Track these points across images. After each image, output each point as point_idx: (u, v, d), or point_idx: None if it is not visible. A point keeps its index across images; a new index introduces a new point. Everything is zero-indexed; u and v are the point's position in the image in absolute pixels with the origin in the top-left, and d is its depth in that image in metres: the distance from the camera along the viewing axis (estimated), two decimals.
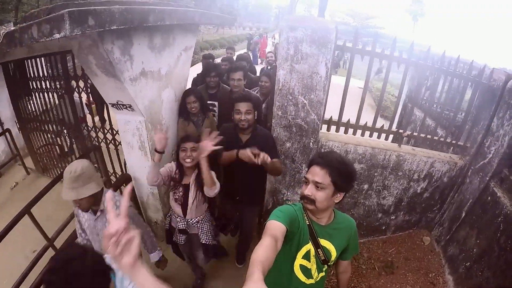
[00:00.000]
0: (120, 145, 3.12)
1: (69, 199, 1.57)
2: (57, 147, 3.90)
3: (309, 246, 1.31)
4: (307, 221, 1.31)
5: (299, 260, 1.33)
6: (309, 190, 1.24)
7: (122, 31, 1.92)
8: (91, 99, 3.59)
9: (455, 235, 2.96)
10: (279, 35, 2.40)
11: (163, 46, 2.47)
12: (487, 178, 2.70)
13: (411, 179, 2.88)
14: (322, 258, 1.32)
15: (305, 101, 2.33)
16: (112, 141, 3.19)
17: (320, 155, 1.28)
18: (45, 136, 3.92)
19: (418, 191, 2.98)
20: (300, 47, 2.17)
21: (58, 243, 2.58)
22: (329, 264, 1.36)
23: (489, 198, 2.66)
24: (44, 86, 3.48)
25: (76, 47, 1.97)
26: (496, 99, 2.70)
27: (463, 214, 2.90)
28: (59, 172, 3.83)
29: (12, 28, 1.84)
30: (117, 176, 3.44)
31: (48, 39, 1.44)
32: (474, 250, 2.63)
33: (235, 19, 3.22)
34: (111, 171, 3.46)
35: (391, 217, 3.13)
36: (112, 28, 1.61)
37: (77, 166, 1.60)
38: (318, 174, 1.21)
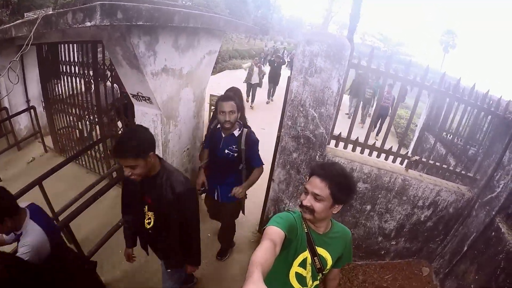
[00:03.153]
0: None
1: None
2: (77, 130, 4.10)
3: (306, 254, 1.33)
4: (305, 229, 1.33)
5: (295, 268, 1.35)
6: (308, 201, 1.26)
7: (150, 28, 2.07)
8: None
9: (455, 268, 2.88)
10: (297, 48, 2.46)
11: (187, 47, 2.60)
12: (493, 213, 2.64)
13: (415, 206, 2.84)
14: (318, 266, 1.34)
15: (315, 114, 2.37)
16: None
17: (321, 166, 1.29)
18: (68, 119, 4.13)
19: (422, 219, 2.93)
20: (315, 60, 2.23)
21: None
22: (323, 272, 1.38)
23: (493, 233, 2.59)
24: (73, 71, 3.69)
25: (106, 37, 2.15)
26: (510, 131, 2.65)
27: (465, 248, 2.82)
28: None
29: (50, 12, 2.07)
30: None
31: (80, 25, 1.62)
32: (472, 286, 2.56)
33: (266, 31, 3.34)
34: None
35: (392, 242, 3.08)
36: (138, 23, 1.75)
37: None
38: (317, 186, 1.24)
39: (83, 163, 4.05)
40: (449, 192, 2.82)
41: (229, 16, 3.23)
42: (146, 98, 2.51)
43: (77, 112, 3.92)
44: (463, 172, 2.91)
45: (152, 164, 1.57)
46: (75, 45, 3.46)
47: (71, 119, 4.08)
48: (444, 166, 2.86)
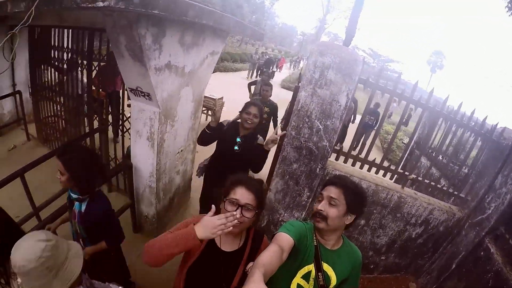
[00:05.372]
0: (127, 131, 3.12)
1: None
2: (62, 120, 3.88)
3: (311, 267, 1.30)
4: (315, 242, 1.32)
5: (297, 279, 1.32)
6: (322, 206, 1.27)
7: (158, 20, 1.95)
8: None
9: (443, 285, 2.94)
10: (305, 59, 2.41)
11: (192, 45, 2.49)
12: (483, 233, 2.71)
13: (408, 223, 2.87)
14: (321, 283, 1.29)
15: (320, 126, 2.33)
16: (121, 127, 3.18)
17: (336, 177, 1.36)
18: (54, 107, 3.91)
19: (413, 236, 2.96)
20: (326, 72, 2.19)
21: (43, 214, 2.52)
22: None
23: (482, 253, 2.67)
24: (64, 58, 3.49)
25: (110, 24, 1.98)
26: (503, 157, 2.73)
27: (454, 266, 2.89)
28: (59, 145, 3.82)
29: None
30: (117, 162, 3.42)
31: (90, 5, 1.43)
32: None
33: (264, 34, 3.27)
34: (112, 156, 3.44)
35: (381, 257, 3.10)
36: (154, 12, 1.61)
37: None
38: (333, 191, 1.26)
39: None
40: (441, 211, 2.86)
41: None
42: (146, 94, 2.38)
43: (64, 101, 3.72)
44: (455, 192, 2.96)
45: None
46: (70, 30, 3.26)
47: (58, 108, 3.86)
48: (438, 186, 2.90)
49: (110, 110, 3.41)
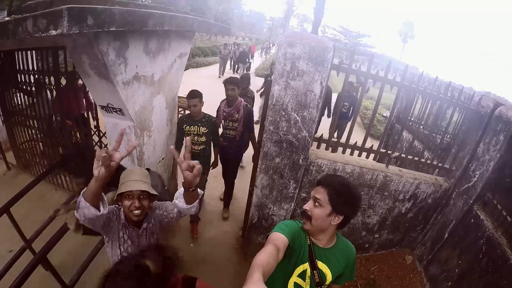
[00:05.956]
0: (106, 147, 3.06)
1: (144, 189, 1.43)
2: (40, 143, 3.78)
3: (306, 266, 1.31)
4: (308, 241, 1.32)
5: (294, 278, 1.33)
6: (307, 205, 1.28)
7: (119, 33, 1.88)
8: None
9: (437, 255, 3.01)
10: (276, 50, 2.38)
11: (158, 51, 2.43)
12: (471, 201, 2.77)
13: (397, 199, 2.91)
14: (317, 280, 1.32)
15: (297, 118, 2.32)
16: (98, 143, 3.12)
17: (325, 176, 1.35)
18: (29, 132, 3.80)
19: (403, 211, 3.02)
20: (297, 63, 2.16)
21: (36, 245, 2.48)
22: (322, 287, 1.35)
23: (472, 220, 2.73)
24: (32, 80, 3.38)
25: (70, 45, 1.92)
26: (483, 125, 2.76)
27: (446, 235, 2.96)
28: (41, 171, 3.73)
29: (6, 19, 1.71)
30: None
31: (43, 34, 1.38)
32: (456, 270, 2.69)
33: (230, 29, 3.23)
34: None
35: (375, 236, 3.15)
36: (111, 29, 1.56)
37: (142, 169, 1.58)
38: (318, 191, 1.26)
39: (50, 178, 3.76)
40: (427, 184, 2.91)
41: (192, 15, 3.07)
42: (118, 109, 2.32)
43: (39, 124, 3.61)
44: (439, 164, 3.01)
45: None
46: (33, 52, 3.15)
47: (33, 131, 3.76)
48: (422, 160, 2.94)
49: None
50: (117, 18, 1.57)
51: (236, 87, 3.20)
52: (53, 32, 1.34)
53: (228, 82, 3.20)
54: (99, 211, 1.28)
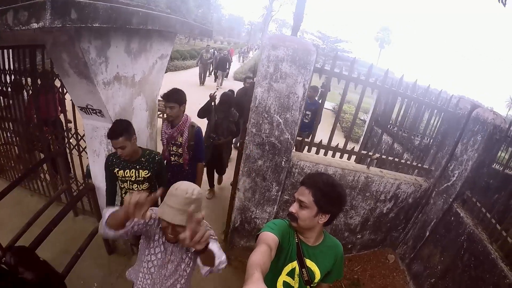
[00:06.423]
0: (84, 151, 2.97)
1: (177, 223, 1.24)
2: (15, 147, 3.63)
3: (295, 264, 1.32)
4: (296, 239, 1.33)
5: (283, 276, 1.33)
6: (293, 208, 1.28)
7: (101, 31, 1.83)
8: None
9: (420, 253, 3.08)
10: (257, 47, 2.37)
11: (140, 52, 2.38)
12: (451, 200, 2.86)
13: (378, 200, 2.96)
14: (306, 278, 1.32)
15: (280, 120, 2.32)
16: (76, 147, 3.02)
17: (308, 176, 1.31)
18: (4, 135, 3.64)
19: (384, 211, 3.07)
20: (280, 66, 2.17)
21: None
22: (312, 285, 1.36)
23: (452, 218, 2.81)
24: (8, 80, 3.23)
25: (50, 41, 1.84)
26: (461, 126, 2.86)
27: (427, 233, 3.03)
28: (17, 175, 3.58)
29: None
30: (78, 184, 3.27)
31: (24, 27, 1.30)
32: (439, 267, 2.75)
33: (212, 31, 3.19)
34: (72, 178, 3.28)
35: (357, 236, 3.20)
36: (94, 25, 1.49)
37: (194, 188, 1.30)
38: (303, 193, 1.25)
39: (25, 184, 3.61)
40: (408, 184, 2.97)
41: (174, 15, 3.03)
42: (97, 110, 2.26)
43: (14, 126, 3.47)
44: (419, 165, 3.08)
45: None
46: (9, 50, 3.01)
47: (8, 134, 3.60)
48: (402, 161, 3.00)
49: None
50: (101, 13, 1.51)
51: (178, 105, 2.53)
52: (35, 25, 1.27)
53: (167, 98, 2.51)
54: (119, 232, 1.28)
